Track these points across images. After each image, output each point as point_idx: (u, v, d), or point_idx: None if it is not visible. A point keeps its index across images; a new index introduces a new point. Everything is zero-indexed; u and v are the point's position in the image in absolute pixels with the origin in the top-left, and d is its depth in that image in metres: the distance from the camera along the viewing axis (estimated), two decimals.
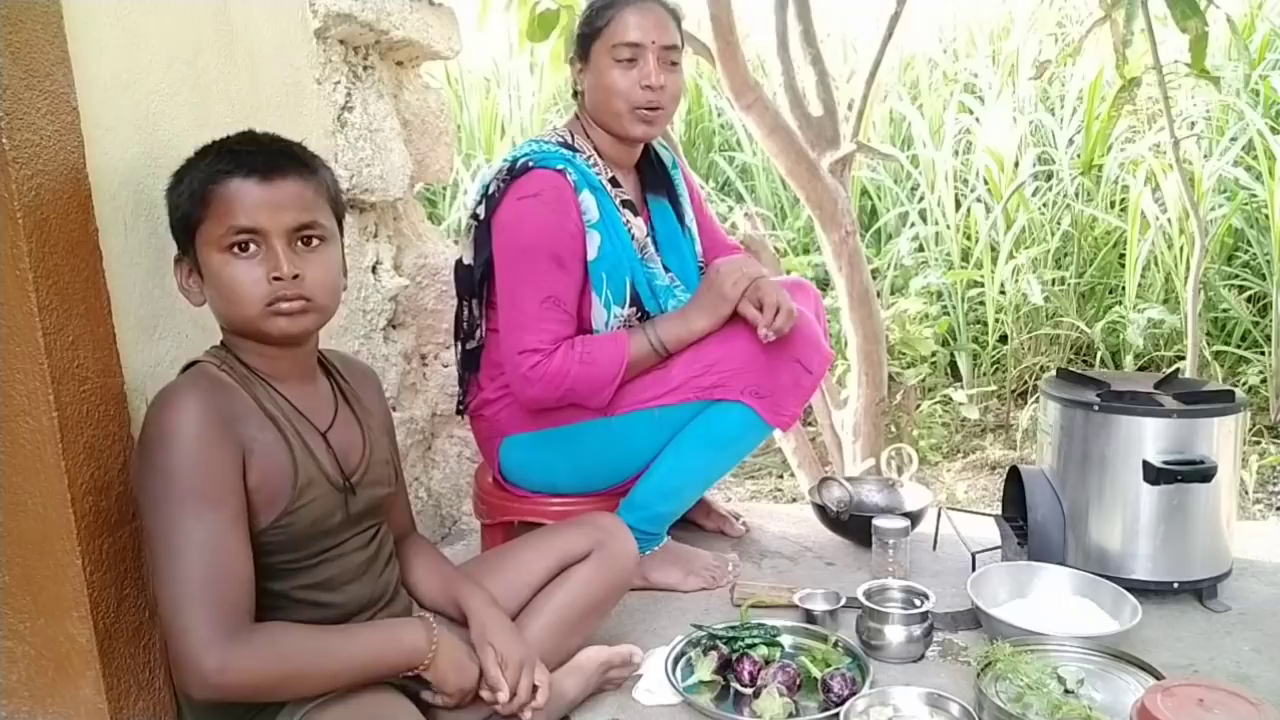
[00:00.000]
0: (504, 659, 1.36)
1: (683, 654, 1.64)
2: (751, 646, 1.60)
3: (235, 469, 1.19)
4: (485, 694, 1.35)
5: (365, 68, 2.02)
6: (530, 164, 1.75)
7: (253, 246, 1.21)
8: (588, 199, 1.76)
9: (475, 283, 1.85)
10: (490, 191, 1.79)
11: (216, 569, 1.15)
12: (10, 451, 1.24)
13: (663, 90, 1.77)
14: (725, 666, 1.58)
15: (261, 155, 1.22)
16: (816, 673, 1.55)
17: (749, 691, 1.53)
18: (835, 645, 1.63)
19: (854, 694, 1.49)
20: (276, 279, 1.20)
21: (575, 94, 1.89)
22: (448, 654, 1.32)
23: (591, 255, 1.77)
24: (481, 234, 1.81)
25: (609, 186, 1.83)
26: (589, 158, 1.83)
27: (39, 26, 1.20)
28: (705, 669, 1.57)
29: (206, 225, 1.21)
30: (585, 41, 1.81)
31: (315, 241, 1.25)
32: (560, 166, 1.75)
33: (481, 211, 1.81)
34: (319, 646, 1.23)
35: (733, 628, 1.66)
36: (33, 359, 1.20)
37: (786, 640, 1.67)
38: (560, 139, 1.84)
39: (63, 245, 1.23)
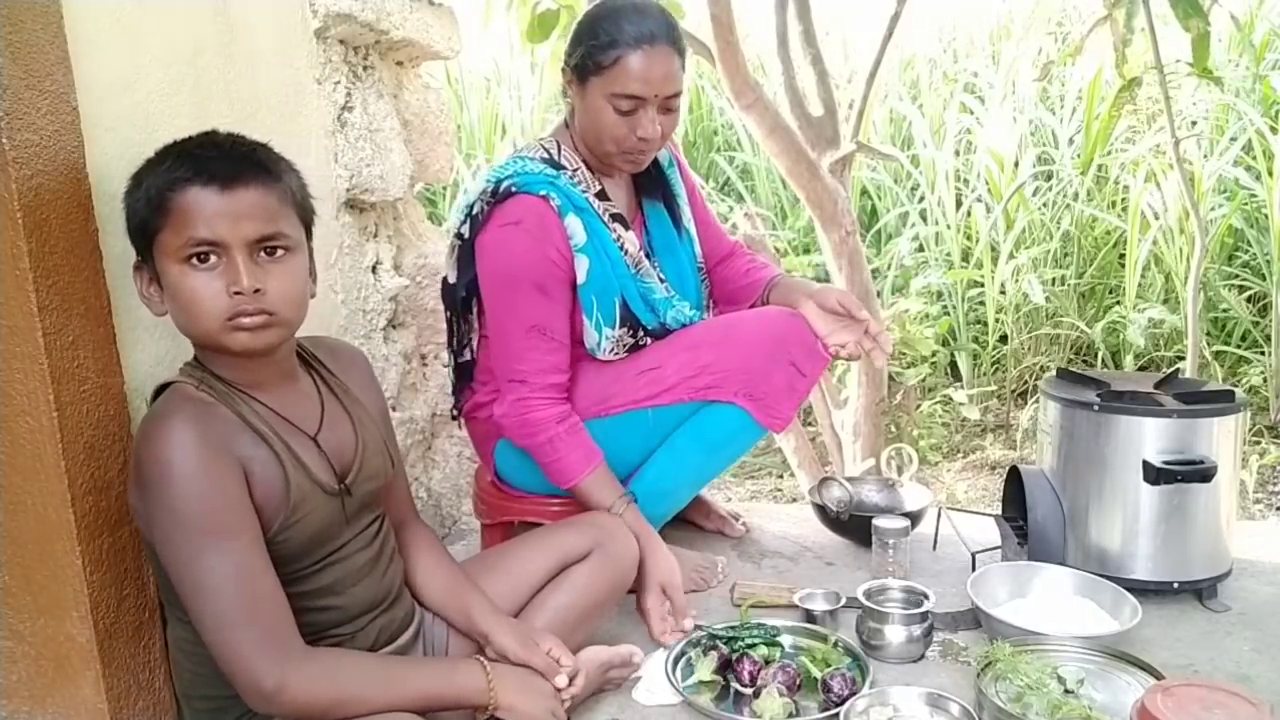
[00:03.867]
0: (555, 647, 1.40)
1: (683, 654, 1.64)
2: (751, 646, 1.60)
3: (242, 492, 1.18)
4: (562, 681, 1.37)
5: (365, 68, 2.02)
6: (513, 189, 1.71)
7: (213, 258, 1.15)
8: (573, 222, 1.72)
9: (459, 301, 1.83)
10: (474, 212, 1.76)
11: (250, 594, 1.15)
12: (10, 451, 1.24)
13: (657, 138, 1.72)
14: (725, 666, 1.58)
15: (222, 161, 1.17)
16: (816, 673, 1.55)
17: (749, 691, 1.53)
18: (835, 645, 1.63)
19: (854, 694, 1.49)
20: (237, 293, 1.16)
21: (566, 96, 1.84)
22: (513, 687, 1.31)
23: (580, 279, 1.74)
24: (465, 254, 1.78)
25: (596, 202, 1.78)
26: (574, 173, 1.77)
27: (39, 26, 1.20)
28: (705, 669, 1.57)
29: (164, 235, 1.16)
30: (584, 70, 1.71)
31: (279, 251, 1.20)
32: (543, 193, 1.70)
33: (466, 231, 1.77)
34: (377, 676, 1.23)
35: (732, 627, 1.66)
36: (33, 359, 1.20)
37: (786, 640, 1.67)
38: (545, 155, 1.77)
39: (63, 245, 1.23)
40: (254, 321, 1.18)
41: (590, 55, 1.69)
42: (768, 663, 1.57)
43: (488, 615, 1.43)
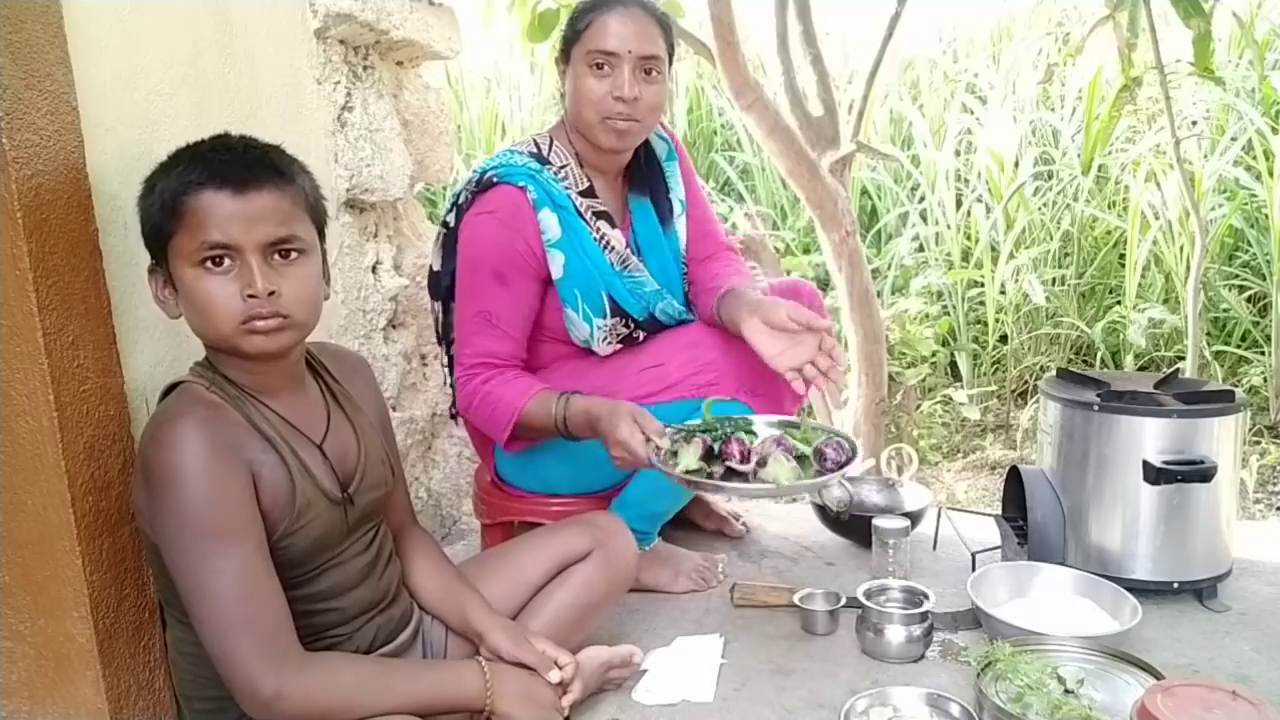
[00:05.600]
0: (549, 648, 1.40)
1: (658, 451, 1.53)
2: (732, 434, 1.53)
3: (249, 496, 1.18)
4: (554, 676, 1.37)
5: (365, 68, 2.02)
6: (495, 179, 1.73)
7: (227, 261, 1.16)
8: (548, 217, 1.73)
9: (444, 289, 1.84)
10: (459, 201, 1.78)
11: (252, 600, 1.15)
12: (10, 451, 1.24)
13: (636, 102, 1.71)
14: (708, 456, 1.51)
15: (235, 164, 1.17)
16: (806, 449, 1.52)
17: (746, 469, 1.48)
18: (814, 430, 1.58)
19: (850, 460, 1.48)
20: (251, 296, 1.16)
21: (562, 95, 1.85)
22: (511, 693, 1.31)
23: (557, 274, 1.75)
24: (450, 242, 1.80)
25: (579, 199, 1.78)
26: (560, 169, 1.78)
27: (39, 26, 1.20)
28: (690, 457, 1.49)
29: (179, 238, 1.16)
30: (566, 44, 1.77)
31: (293, 254, 1.20)
32: (521, 184, 1.72)
33: (451, 220, 1.80)
34: (377, 680, 1.23)
35: (704, 423, 1.57)
36: (33, 359, 1.20)
37: (760, 427, 1.58)
38: (532, 149, 1.79)
39: (63, 245, 1.23)
40: (268, 324, 1.18)
41: (570, 26, 1.76)
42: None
43: (482, 615, 1.43)
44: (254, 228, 1.16)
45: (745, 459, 1.49)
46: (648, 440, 1.52)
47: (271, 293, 1.17)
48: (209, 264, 1.16)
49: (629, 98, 1.70)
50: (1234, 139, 4.01)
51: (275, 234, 1.18)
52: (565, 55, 1.78)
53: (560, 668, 1.39)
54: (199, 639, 1.18)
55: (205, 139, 1.22)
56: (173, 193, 1.16)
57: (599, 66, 1.71)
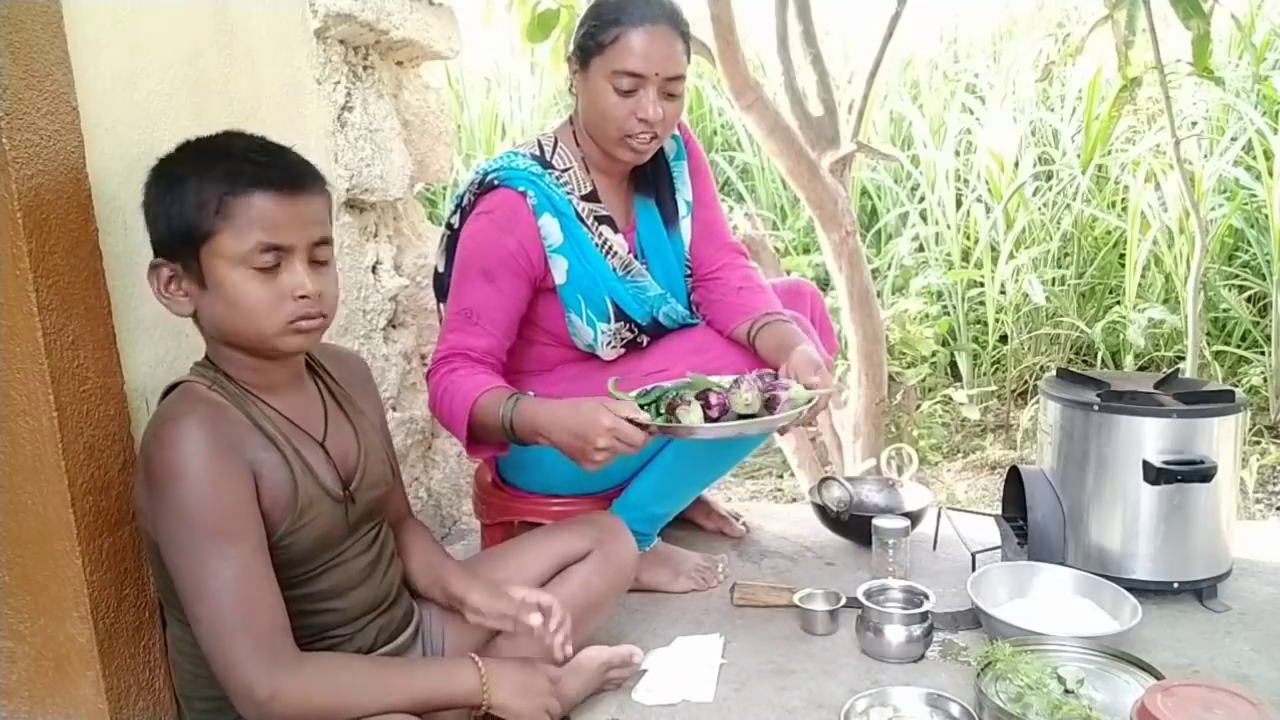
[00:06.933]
0: (529, 594, 1.39)
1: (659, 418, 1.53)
2: (686, 389, 1.54)
3: (250, 496, 1.18)
4: (536, 619, 1.35)
5: (365, 68, 2.02)
6: (496, 182, 1.72)
7: (278, 263, 1.19)
8: (549, 223, 1.72)
9: (448, 290, 1.82)
10: (463, 203, 1.78)
11: (250, 600, 1.15)
12: (10, 451, 1.24)
13: (659, 122, 1.68)
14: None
15: (277, 168, 1.19)
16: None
17: (758, 404, 1.52)
18: (736, 383, 1.55)
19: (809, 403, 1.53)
20: (303, 297, 1.19)
21: (571, 89, 1.81)
22: (507, 686, 1.31)
23: (560, 280, 1.74)
24: (453, 243, 1.79)
25: (580, 204, 1.76)
26: (562, 173, 1.76)
27: (39, 26, 1.20)
28: (696, 415, 1.50)
29: (222, 238, 1.16)
30: (586, 52, 1.69)
31: (325, 256, 1.24)
32: (522, 188, 1.71)
33: (455, 221, 1.79)
34: (373, 679, 1.23)
35: (652, 390, 1.56)
36: (33, 359, 1.20)
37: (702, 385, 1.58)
38: (535, 151, 1.77)
39: (63, 245, 1.23)
40: (312, 324, 1.21)
41: (592, 35, 1.69)
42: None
43: (458, 579, 1.43)
44: (305, 230, 1.20)
45: (724, 410, 1.51)
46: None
47: (319, 294, 1.21)
48: (258, 265, 1.17)
49: (653, 120, 1.68)
50: (1234, 139, 4.01)
51: (321, 235, 1.22)
52: (583, 61, 1.71)
53: (541, 608, 1.37)
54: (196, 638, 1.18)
55: (230, 140, 1.22)
56: (218, 192, 1.16)
57: (623, 87, 1.66)
